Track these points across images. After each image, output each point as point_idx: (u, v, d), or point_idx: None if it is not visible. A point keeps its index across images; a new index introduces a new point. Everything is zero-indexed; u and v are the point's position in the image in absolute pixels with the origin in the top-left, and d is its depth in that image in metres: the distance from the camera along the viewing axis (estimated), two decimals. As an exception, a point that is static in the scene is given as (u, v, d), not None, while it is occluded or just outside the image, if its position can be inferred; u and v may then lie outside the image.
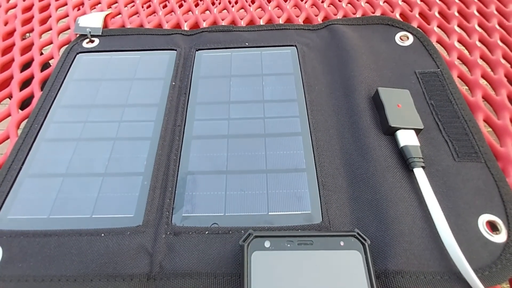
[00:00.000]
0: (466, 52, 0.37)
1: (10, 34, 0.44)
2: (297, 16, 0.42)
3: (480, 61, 0.35)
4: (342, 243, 0.21)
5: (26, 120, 0.33)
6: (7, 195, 0.26)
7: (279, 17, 0.42)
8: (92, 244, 0.23)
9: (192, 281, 0.22)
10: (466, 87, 0.35)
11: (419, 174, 0.25)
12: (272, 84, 0.33)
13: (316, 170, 0.27)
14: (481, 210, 0.24)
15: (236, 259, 0.23)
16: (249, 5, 0.44)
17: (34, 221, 0.25)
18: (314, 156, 0.27)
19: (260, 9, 0.44)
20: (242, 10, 0.44)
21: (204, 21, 0.42)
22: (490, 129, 0.31)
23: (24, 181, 0.27)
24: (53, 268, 0.22)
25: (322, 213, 0.24)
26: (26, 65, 0.40)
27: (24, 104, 0.36)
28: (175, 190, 0.26)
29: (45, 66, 0.40)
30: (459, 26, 0.39)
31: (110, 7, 0.46)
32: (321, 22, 0.41)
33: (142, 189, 0.26)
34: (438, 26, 0.40)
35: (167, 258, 0.23)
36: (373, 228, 0.23)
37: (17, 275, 0.22)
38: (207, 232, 0.24)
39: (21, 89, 0.37)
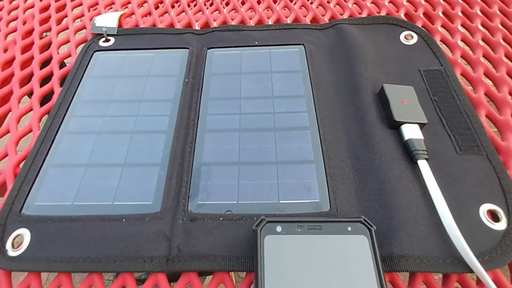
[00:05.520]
0: (469, 50, 0.38)
1: (29, 33, 0.46)
2: (304, 16, 0.44)
3: (482, 59, 0.37)
4: (349, 228, 0.22)
5: (47, 115, 0.35)
6: (33, 183, 0.28)
7: (287, 17, 0.44)
8: (114, 229, 0.25)
9: (208, 263, 0.23)
10: (470, 86, 0.36)
11: (423, 165, 0.26)
12: (280, 81, 0.35)
13: (324, 161, 0.28)
14: (482, 199, 0.25)
15: (249, 243, 0.24)
16: (258, 3, 0.46)
17: (59, 207, 0.26)
18: (322, 149, 0.29)
19: (268, 9, 0.46)
20: (251, 10, 0.46)
21: (214, 20, 0.44)
22: (492, 126, 0.32)
23: (49, 170, 0.29)
24: (79, 250, 0.24)
25: (330, 202, 0.26)
26: (44, 63, 0.42)
27: (42, 100, 0.38)
28: (191, 180, 0.27)
29: (61, 64, 0.42)
30: (462, 25, 0.40)
31: (125, 7, 0.48)
32: (328, 21, 0.42)
33: (159, 178, 0.28)
34: (442, 26, 0.41)
35: (184, 242, 0.24)
36: (379, 216, 0.25)
37: (46, 256, 0.24)
38: (221, 219, 0.25)
39: (41, 85, 0.39)
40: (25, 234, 0.25)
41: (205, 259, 0.23)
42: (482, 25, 0.40)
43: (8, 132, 0.34)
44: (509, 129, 0.30)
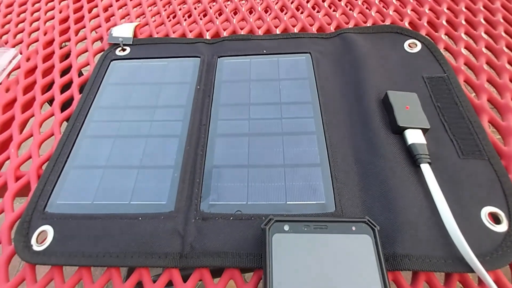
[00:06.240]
0: (472, 58, 0.39)
1: (50, 43, 0.49)
2: (311, 25, 0.45)
3: (486, 67, 0.37)
4: (353, 228, 0.23)
5: (67, 120, 0.37)
6: (55, 184, 0.30)
7: (294, 26, 0.45)
8: (132, 226, 0.26)
9: (219, 260, 0.25)
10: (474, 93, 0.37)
11: (426, 169, 0.27)
12: (288, 88, 0.36)
13: (329, 165, 0.29)
14: (484, 202, 0.26)
15: (257, 241, 0.25)
16: (265, 12, 0.48)
17: (80, 206, 0.28)
18: (327, 153, 0.30)
19: (276, 19, 0.48)
20: (260, 20, 0.48)
21: (224, 30, 0.46)
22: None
23: (70, 172, 0.31)
24: (99, 246, 0.26)
25: (335, 203, 0.27)
26: (64, 71, 0.44)
27: (63, 106, 0.40)
28: (202, 181, 0.29)
29: (79, 73, 0.44)
30: (466, 33, 0.41)
31: (139, 17, 0.50)
32: (334, 30, 0.43)
33: (173, 180, 0.29)
34: (446, 34, 0.42)
35: (196, 239, 0.26)
36: (383, 217, 0.26)
37: (68, 251, 0.26)
38: (231, 218, 0.27)
39: (61, 92, 0.41)
40: (49, 230, 0.27)
41: (216, 256, 0.25)
42: (486, 33, 0.41)
43: (31, 135, 0.36)
44: (511, 135, 0.31)
